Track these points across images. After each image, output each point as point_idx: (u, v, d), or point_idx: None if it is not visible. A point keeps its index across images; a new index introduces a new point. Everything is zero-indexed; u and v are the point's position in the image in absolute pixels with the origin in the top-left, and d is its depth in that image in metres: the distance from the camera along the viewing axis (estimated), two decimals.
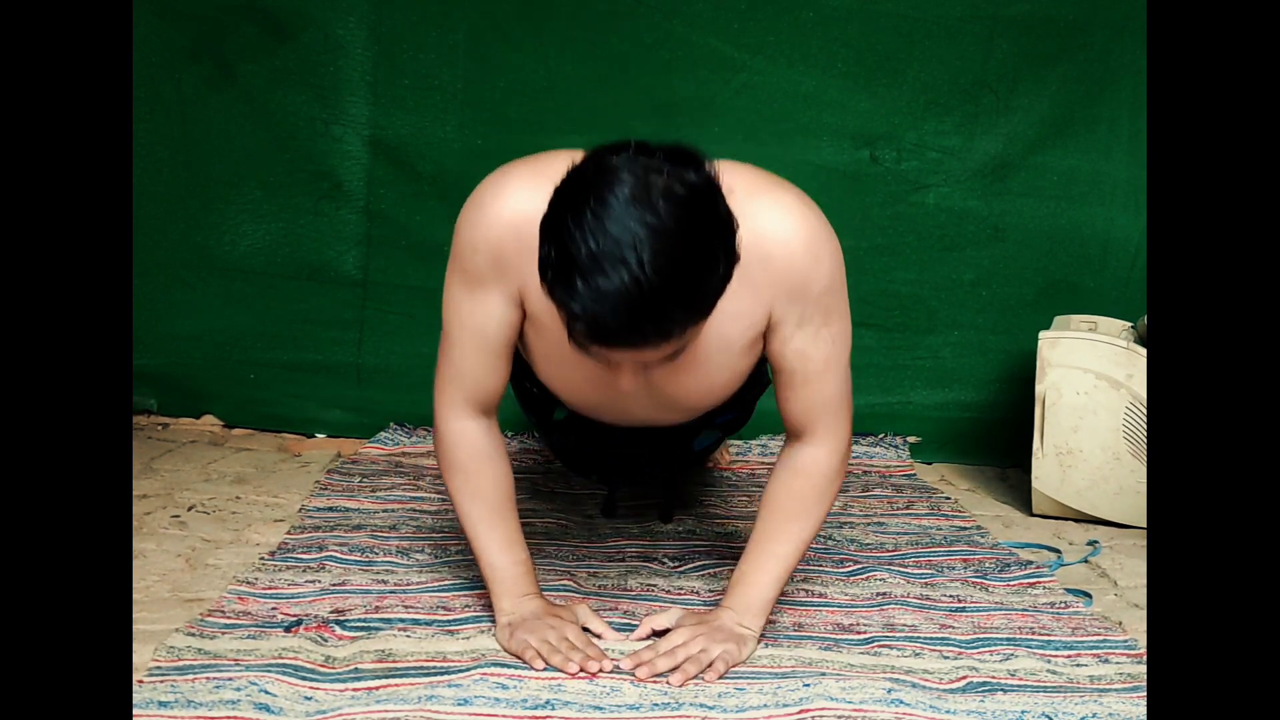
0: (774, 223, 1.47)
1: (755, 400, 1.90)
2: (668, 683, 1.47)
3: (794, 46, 2.70)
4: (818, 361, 1.56)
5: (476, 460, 1.62)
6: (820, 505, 1.62)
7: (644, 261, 1.21)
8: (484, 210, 1.53)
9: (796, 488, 1.61)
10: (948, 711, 1.41)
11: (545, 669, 1.49)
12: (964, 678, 1.52)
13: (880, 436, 2.77)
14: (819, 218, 1.54)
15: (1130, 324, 2.46)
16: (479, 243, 1.52)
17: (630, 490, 2.31)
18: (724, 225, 1.29)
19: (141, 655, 1.47)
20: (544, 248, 1.26)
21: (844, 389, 1.61)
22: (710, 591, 1.81)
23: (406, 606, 1.71)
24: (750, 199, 1.44)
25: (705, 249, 1.26)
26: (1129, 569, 2.04)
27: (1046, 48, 2.69)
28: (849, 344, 1.60)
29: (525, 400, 1.92)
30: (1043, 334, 2.36)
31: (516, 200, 1.49)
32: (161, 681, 1.40)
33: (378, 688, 1.43)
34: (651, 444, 1.95)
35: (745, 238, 1.33)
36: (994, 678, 1.53)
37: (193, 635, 1.55)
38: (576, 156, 1.34)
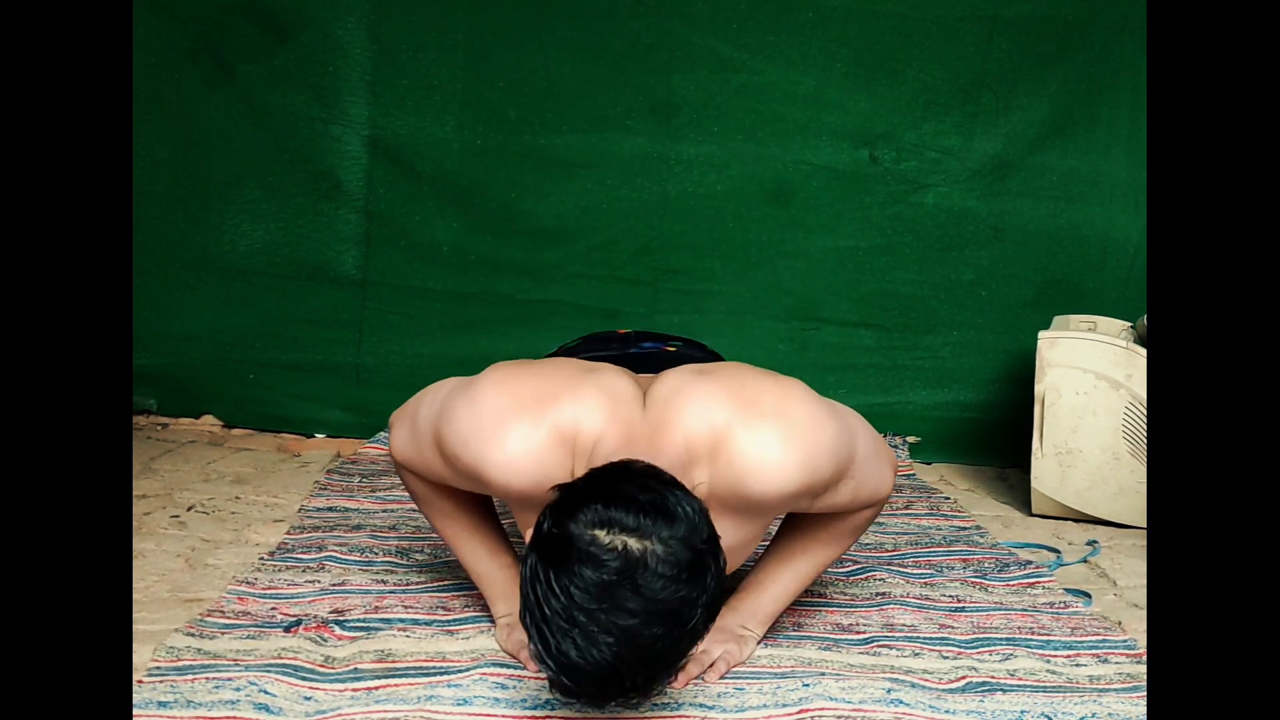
0: (758, 463, 1.38)
1: None
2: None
3: (793, 46, 2.70)
4: (844, 499, 1.51)
5: (434, 490, 1.61)
6: (852, 538, 1.62)
7: (620, 651, 1.17)
8: (478, 449, 1.43)
9: (833, 522, 1.58)
10: (947, 711, 1.41)
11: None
12: (963, 678, 1.52)
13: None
14: (806, 428, 1.42)
15: (1130, 324, 2.46)
16: (465, 468, 1.46)
17: None
18: (706, 591, 1.22)
19: (141, 655, 1.47)
20: (523, 605, 1.22)
21: (875, 477, 1.54)
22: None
23: (406, 606, 1.71)
24: (730, 441, 1.38)
25: (686, 622, 1.21)
26: (1128, 569, 2.04)
27: (1046, 48, 2.69)
28: (867, 454, 1.52)
29: None
30: (1042, 334, 2.36)
31: (512, 450, 1.40)
32: (161, 681, 1.40)
33: (377, 688, 1.43)
34: None
35: (733, 479, 1.35)
36: (993, 678, 1.53)
37: (192, 635, 1.55)
38: (570, 388, 1.37)
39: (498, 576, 1.63)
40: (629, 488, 1.22)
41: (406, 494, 2.26)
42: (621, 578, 1.17)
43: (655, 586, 1.17)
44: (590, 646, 1.17)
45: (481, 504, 1.65)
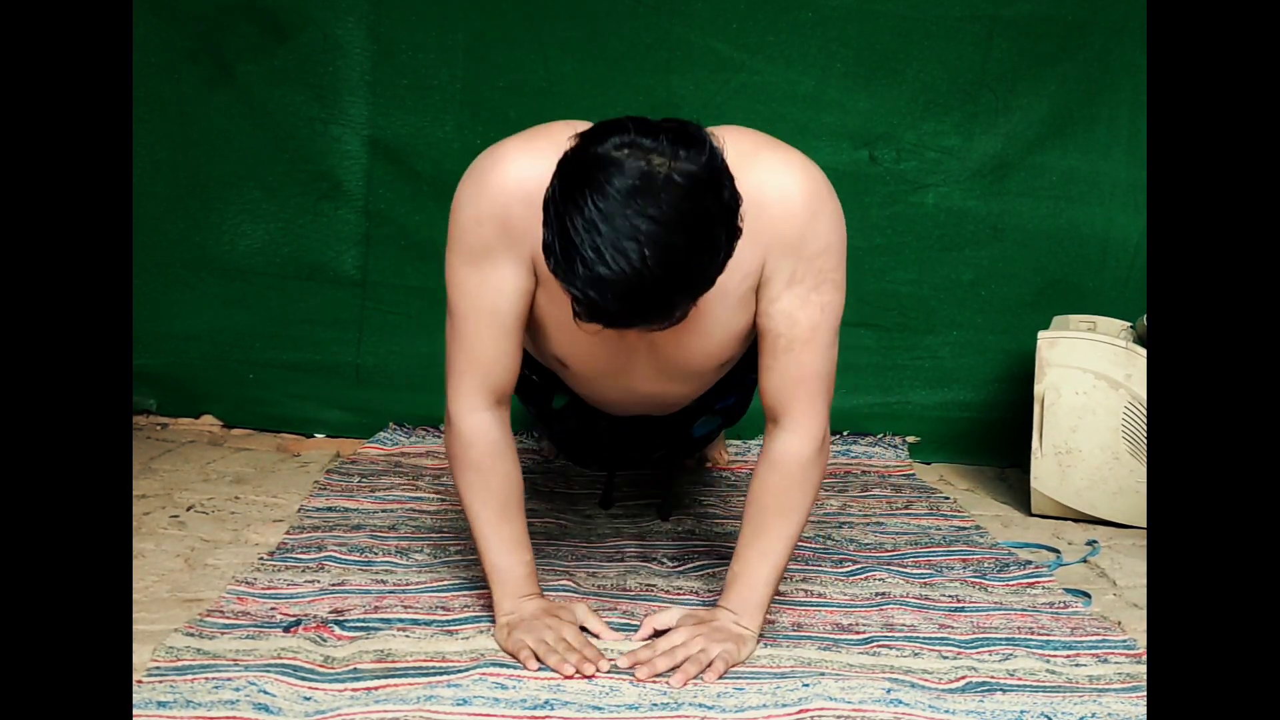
0: (774, 176, 1.49)
1: (754, 386, 1.90)
2: (668, 683, 1.47)
3: (793, 46, 2.70)
4: (803, 327, 1.54)
5: (491, 458, 1.61)
6: (802, 497, 1.61)
7: (645, 255, 1.23)
8: (485, 181, 1.51)
9: (775, 482, 1.60)
10: (947, 711, 1.41)
11: (540, 669, 1.49)
12: (963, 678, 1.52)
13: (879, 436, 2.77)
14: (823, 180, 1.54)
15: (1129, 324, 2.46)
16: (484, 214, 1.51)
17: (629, 476, 2.31)
18: (726, 209, 1.30)
19: (140, 655, 1.47)
20: (546, 230, 1.28)
21: (826, 368, 1.58)
22: (709, 591, 1.81)
23: (405, 606, 1.71)
24: (753, 155, 1.47)
25: (706, 236, 1.28)
26: (1128, 569, 2.05)
27: (1045, 47, 2.69)
28: (838, 318, 1.58)
29: (524, 390, 1.92)
30: (1041, 334, 2.36)
31: (517, 168, 1.49)
32: (160, 681, 1.40)
33: (377, 688, 1.43)
34: (651, 430, 1.95)
35: (744, 190, 1.35)
36: (993, 678, 1.53)
37: (192, 635, 1.55)
38: (573, 128, 1.36)
39: (512, 573, 1.62)
40: (652, 120, 1.30)
41: (406, 494, 2.27)
42: (644, 184, 1.24)
43: (677, 195, 1.25)
44: (615, 254, 1.23)
45: (517, 497, 1.64)
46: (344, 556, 1.90)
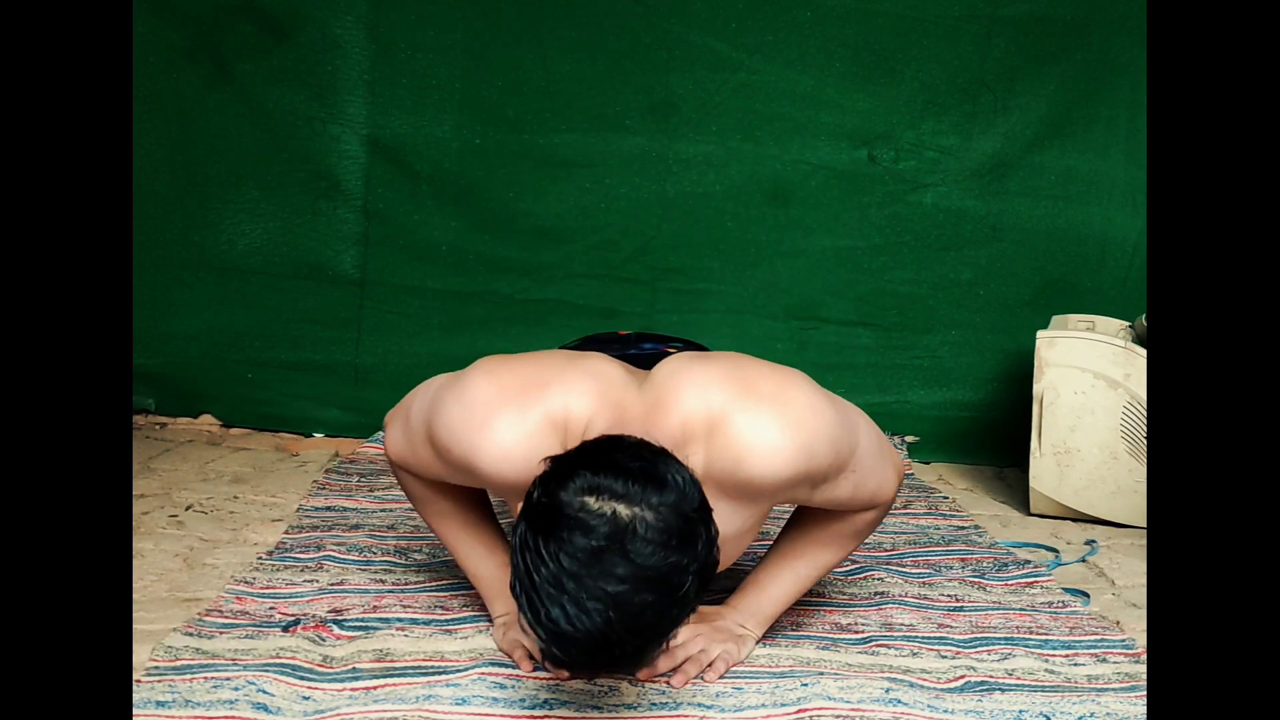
0: (754, 445, 1.37)
1: None
2: (668, 683, 1.47)
3: (792, 46, 2.70)
4: (845, 494, 1.50)
5: (434, 489, 1.61)
6: (855, 542, 1.61)
7: (611, 618, 1.16)
8: (468, 440, 1.43)
9: (836, 525, 1.58)
10: (945, 711, 1.41)
11: (536, 668, 1.49)
12: (962, 677, 1.52)
13: None
14: (804, 413, 1.41)
15: (1128, 323, 2.46)
16: (456, 460, 1.46)
17: None
18: (700, 556, 1.21)
19: (139, 655, 1.47)
20: (513, 573, 1.21)
21: (877, 475, 1.53)
22: (709, 591, 1.81)
23: (404, 606, 1.71)
24: (726, 423, 1.38)
25: (678, 589, 1.19)
26: (1126, 568, 2.05)
27: (1044, 47, 2.69)
28: (870, 450, 1.51)
29: None
30: (1040, 333, 2.36)
31: (502, 439, 1.40)
32: (159, 681, 1.40)
33: (376, 687, 1.43)
34: None
35: (730, 462, 1.34)
36: (992, 677, 1.53)
37: (191, 635, 1.55)
38: (559, 375, 1.38)
39: (495, 576, 1.62)
40: (620, 456, 1.21)
41: (404, 494, 2.27)
42: (611, 543, 1.16)
43: (645, 552, 1.17)
44: (580, 614, 1.16)
45: (478, 503, 1.65)
46: (343, 556, 1.90)
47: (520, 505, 1.25)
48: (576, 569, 1.16)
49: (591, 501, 1.18)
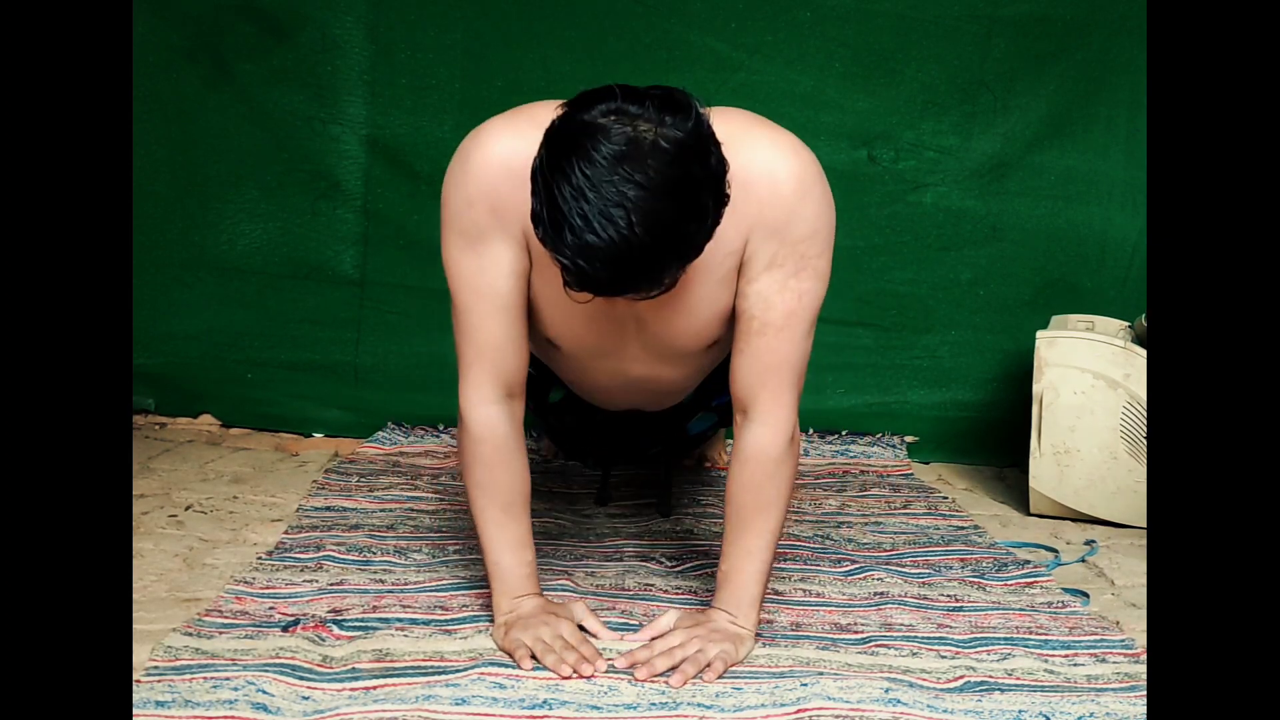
0: (762, 155, 1.48)
1: None
2: (667, 683, 1.47)
3: (791, 46, 2.70)
4: (777, 312, 1.53)
5: (500, 454, 1.60)
6: (778, 491, 1.59)
7: (632, 222, 1.23)
8: (470, 162, 1.51)
9: (748, 478, 1.58)
10: (945, 711, 1.41)
11: (536, 668, 1.49)
12: (961, 677, 1.52)
13: (878, 436, 2.77)
14: (813, 164, 1.52)
15: (1128, 323, 2.46)
16: (472, 195, 1.50)
17: (628, 476, 2.31)
18: (713, 175, 1.30)
19: (139, 655, 1.47)
20: (535, 199, 1.28)
21: (798, 358, 1.57)
22: (707, 590, 1.81)
23: (404, 606, 1.71)
24: (742, 133, 1.46)
25: (694, 202, 1.28)
26: (1126, 568, 2.05)
27: (1044, 47, 2.69)
28: (816, 308, 1.56)
29: None
30: (1040, 333, 2.36)
31: (502, 146, 1.49)
32: (159, 681, 1.40)
33: (375, 687, 1.43)
34: (647, 426, 1.94)
35: (733, 168, 1.35)
36: (991, 677, 1.53)
37: (190, 635, 1.55)
38: (556, 106, 1.36)
39: (513, 573, 1.61)
40: (639, 88, 1.31)
41: (405, 493, 2.27)
42: (631, 148, 1.24)
43: (664, 161, 1.25)
44: (603, 220, 1.23)
45: (522, 497, 1.63)
46: (342, 556, 1.90)
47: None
48: (597, 175, 1.24)
49: (613, 120, 1.27)
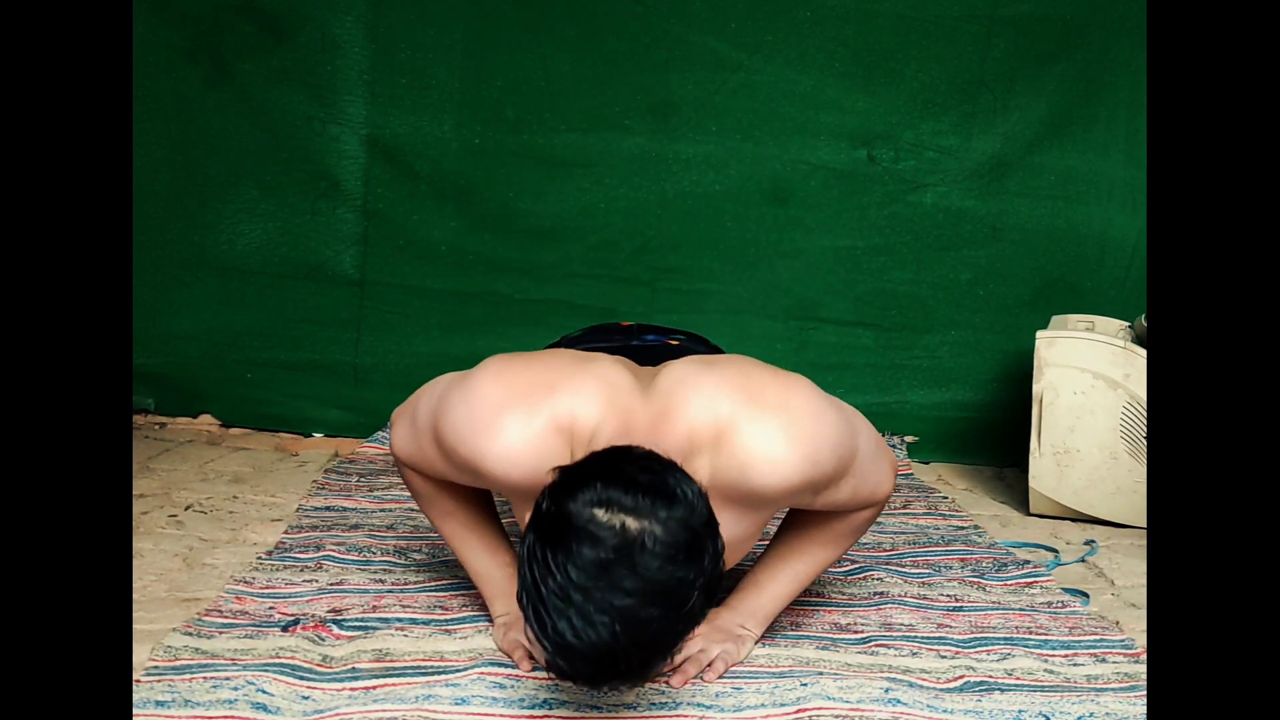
0: (760, 455, 1.38)
1: None
2: (667, 683, 1.47)
3: (791, 46, 2.70)
4: (845, 497, 1.51)
5: (438, 487, 1.61)
6: (851, 539, 1.61)
7: (616, 631, 1.16)
8: (474, 441, 1.43)
9: (833, 523, 1.58)
10: (945, 711, 1.41)
11: (535, 669, 1.49)
12: (961, 677, 1.52)
13: None
14: (808, 422, 1.42)
15: (1127, 323, 2.46)
16: (462, 461, 1.45)
17: None
18: (704, 573, 1.21)
19: (139, 655, 1.46)
20: (521, 583, 1.21)
21: (875, 476, 1.54)
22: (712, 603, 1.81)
23: (404, 606, 1.71)
24: (733, 432, 1.38)
25: (683, 604, 1.20)
26: (1126, 568, 2.05)
27: (1044, 48, 2.70)
28: (869, 452, 1.53)
29: None
30: (1040, 333, 2.36)
31: (508, 441, 1.40)
32: (159, 681, 1.40)
33: (375, 687, 1.42)
34: None
35: (735, 471, 1.34)
36: (991, 677, 1.53)
37: (190, 635, 1.55)
38: (567, 379, 1.37)
39: (496, 575, 1.62)
40: (629, 469, 1.21)
41: (404, 493, 2.27)
42: (619, 556, 1.16)
43: (653, 566, 1.17)
44: (586, 626, 1.16)
45: (482, 502, 1.65)
46: (342, 556, 1.90)
47: (526, 511, 1.25)
48: (584, 581, 1.16)
49: (601, 514, 1.18)
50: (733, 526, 1.38)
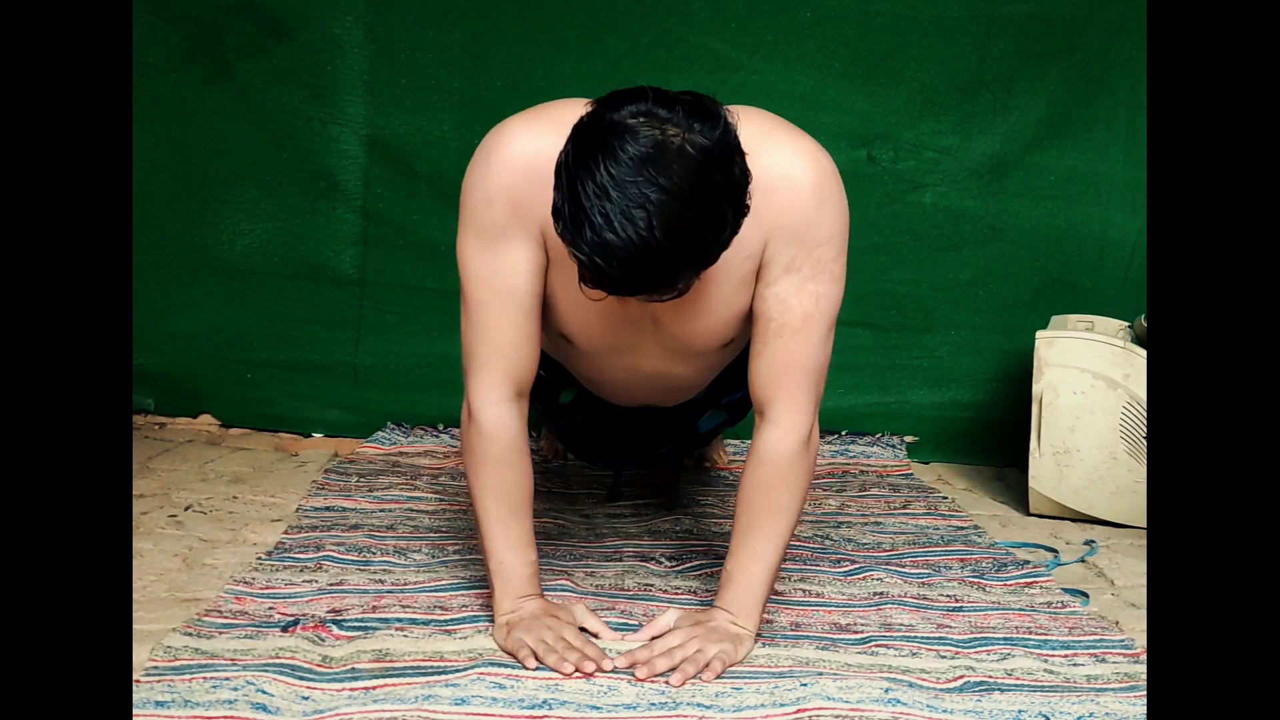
0: (784, 160, 1.49)
1: None
2: (667, 683, 1.47)
3: (791, 46, 2.70)
4: (795, 314, 1.54)
5: (509, 454, 1.60)
6: (790, 494, 1.60)
7: (652, 224, 1.24)
8: (492, 159, 1.52)
9: (762, 479, 1.59)
10: (945, 711, 1.41)
11: (539, 668, 1.49)
12: (961, 677, 1.52)
13: (877, 436, 2.77)
14: (832, 170, 1.54)
15: (1127, 323, 2.46)
16: (493, 192, 1.51)
17: (631, 475, 2.31)
18: (735, 186, 1.31)
19: (139, 655, 1.47)
20: (557, 193, 1.29)
21: (816, 361, 1.57)
22: (707, 591, 1.81)
23: (404, 606, 1.71)
24: (766, 137, 1.47)
25: (714, 210, 1.29)
26: (1126, 568, 2.05)
27: (1043, 47, 2.69)
28: (834, 312, 1.57)
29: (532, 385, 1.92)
30: (1040, 333, 2.36)
31: (524, 144, 1.50)
32: (158, 681, 1.40)
33: (375, 687, 1.43)
34: (658, 423, 1.95)
35: (753, 171, 1.36)
36: (991, 677, 1.53)
37: (190, 635, 1.55)
38: (577, 105, 1.37)
39: (515, 572, 1.61)
40: (670, 92, 1.31)
41: (405, 493, 2.27)
42: (658, 151, 1.25)
43: (689, 168, 1.26)
44: (623, 220, 1.23)
45: (526, 498, 1.63)
46: (342, 556, 1.90)
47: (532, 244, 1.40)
48: (622, 175, 1.24)
49: (642, 121, 1.27)
50: (740, 244, 1.42)
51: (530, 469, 1.63)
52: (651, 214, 1.24)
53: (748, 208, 1.34)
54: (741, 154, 1.32)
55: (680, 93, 1.32)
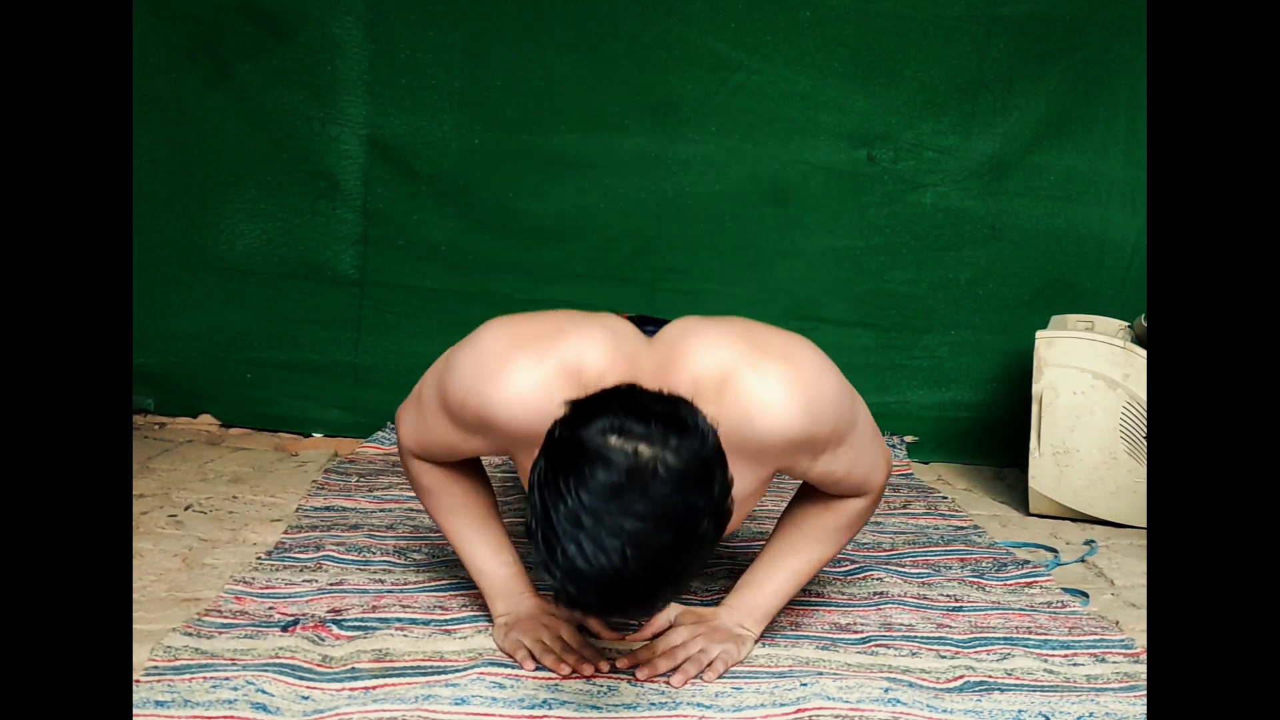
0: (762, 402, 1.39)
1: None
2: (667, 683, 1.47)
3: (791, 46, 2.70)
4: (841, 470, 1.52)
5: (443, 483, 1.62)
6: (847, 535, 1.62)
7: (627, 555, 1.16)
8: (482, 389, 1.44)
9: (827, 519, 1.59)
10: (945, 711, 1.41)
11: (537, 669, 1.49)
12: (961, 677, 1.52)
13: None
14: (816, 377, 1.45)
15: (1127, 323, 2.46)
16: (470, 414, 1.46)
17: None
18: (715, 503, 1.22)
19: (139, 655, 1.47)
20: (530, 514, 1.22)
21: (871, 457, 1.56)
22: (706, 590, 1.81)
23: (403, 606, 1.71)
24: (736, 380, 1.39)
25: (693, 533, 1.20)
26: (1126, 568, 2.05)
27: (1043, 47, 2.70)
28: (867, 430, 1.55)
29: None
30: (1040, 333, 2.36)
31: (516, 386, 1.41)
32: (158, 681, 1.40)
33: (375, 687, 1.43)
34: None
35: (737, 418, 1.34)
36: (991, 677, 1.53)
37: (190, 635, 1.55)
38: (573, 326, 1.38)
39: (499, 575, 1.62)
40: (642, 399, 1.23)
41: (405, 493, 2.27)
42: (631, 480, 1.16)
43: (664, 492, 1.17)
44: (597, 551, 1.15)
45: (487, 502, 1.65)
46: (342, 556, 1.90)
47: (533, 457, 1.25)
48: (595, 504, 1.16)
49: (614, 440, 1.18)
50: (735, 481, 1.37)
51: (479, 484, 1.64)
52: (625, 543, 1.15)
53: (729, 515, 1.25)
54: (723, 464, 1.23)
55: (654, 399, 1.24)
